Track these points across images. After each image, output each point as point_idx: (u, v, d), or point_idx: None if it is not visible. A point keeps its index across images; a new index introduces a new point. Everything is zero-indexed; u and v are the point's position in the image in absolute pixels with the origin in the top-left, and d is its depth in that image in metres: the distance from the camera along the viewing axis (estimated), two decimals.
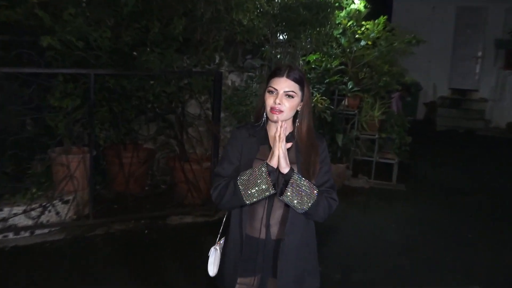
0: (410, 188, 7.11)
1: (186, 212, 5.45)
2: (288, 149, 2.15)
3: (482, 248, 5.04)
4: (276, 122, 2.15)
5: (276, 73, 2.19)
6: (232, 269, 2.26)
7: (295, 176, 2.09)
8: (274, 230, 2.20)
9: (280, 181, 2.12)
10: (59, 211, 4.92)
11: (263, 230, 2.20)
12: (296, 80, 2.16)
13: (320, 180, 2.21)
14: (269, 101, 2.17)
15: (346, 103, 7.35)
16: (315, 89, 6.29)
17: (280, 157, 2.05)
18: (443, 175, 7.97)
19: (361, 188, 6.95)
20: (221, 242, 2.40)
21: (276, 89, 2.15)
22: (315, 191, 2.13)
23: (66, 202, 4.99)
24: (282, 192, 2.09)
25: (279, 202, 2.19)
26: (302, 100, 2.20)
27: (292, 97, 2.16)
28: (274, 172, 2.08)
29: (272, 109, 2.14)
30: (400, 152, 7.40)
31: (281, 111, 2.14)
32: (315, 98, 5.96)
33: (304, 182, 2.10)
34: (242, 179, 2.11)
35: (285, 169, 2.07)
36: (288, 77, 2.16)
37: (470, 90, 13.08)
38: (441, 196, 6.84)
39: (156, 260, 4.38)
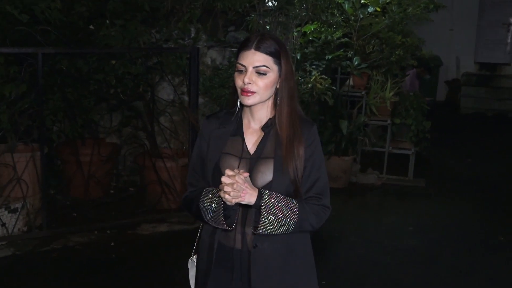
0: (430, 184, 7.17)
1: (160, 219, 5.46)
2: (266, 139, 2.17)
3: None
4: (249, 106, 2.15)
5: (243, 45, 2.14)
6: (202, 285, 2.27)
7: (265, 199, 2.07)
8: (252, 238, 2.18)
9: (250, 212, 2.14)
10: (5, 222, 4.90)
11: (239, 238, 2.19)
12: (268, 52, 2.11)
13: (309, 181, 2.18)
14: (238, 81, 2.13)
15: (352, 82, 7.37)
16: (313, 67, 6.31)
17: (237, 200, 2.03)
18: (470, 168, 8.05)
19: (372, 185, 7.00)
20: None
21: (244, 65, 2.11)
22: (296, 209, 2.11)
23: (14, 211, 4.97)
24: (256, 225, 2.10)
25: None
26: (280, 76, 2.15)
27: (265, 73, 2.10)
28: (235, 209, 2.12)
29: (242, 90, 2.12)
30: (418, 140, 7.45)
31: (252, 92, 2.10)
32: (314, 77, 5.98)
33: (279, 201, 2.09)
34: (203, 207, 2.16)
35: (251, 198, 2.05)
36: (257, 49, 2.10)
37: (501, 64, 13.17)
38: (468, 193, 6.90)
39: (126, 278, 4.38)
